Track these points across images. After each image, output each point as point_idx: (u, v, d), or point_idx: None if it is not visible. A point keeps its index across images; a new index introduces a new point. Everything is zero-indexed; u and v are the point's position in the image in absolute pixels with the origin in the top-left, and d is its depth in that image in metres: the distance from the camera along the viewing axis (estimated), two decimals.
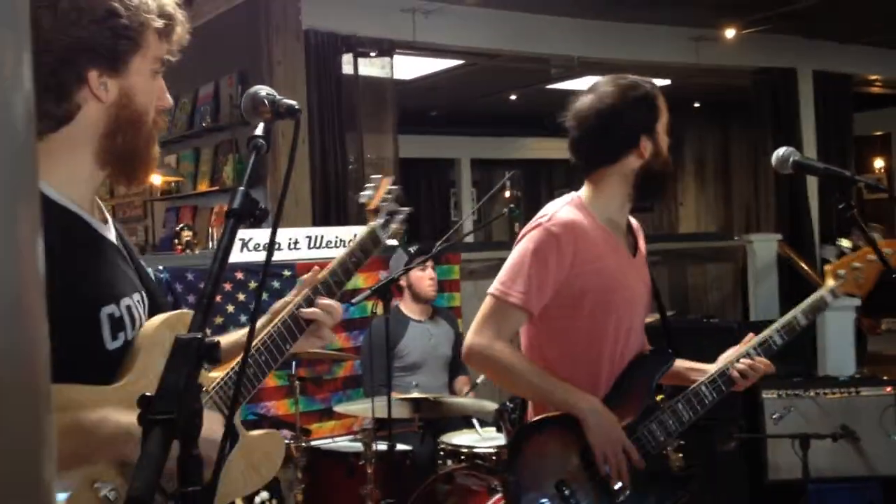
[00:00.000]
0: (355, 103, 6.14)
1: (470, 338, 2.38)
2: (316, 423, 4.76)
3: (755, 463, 5.13)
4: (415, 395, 3.91)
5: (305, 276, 1.88)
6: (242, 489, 1.75)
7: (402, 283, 4.64)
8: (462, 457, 3.60)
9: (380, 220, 1.96)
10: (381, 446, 3.66)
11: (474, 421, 4.02)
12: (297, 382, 3.99)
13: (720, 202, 11.74)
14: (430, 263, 4.60)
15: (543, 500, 2.25)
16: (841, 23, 7.58)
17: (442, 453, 3.68)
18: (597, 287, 2.37)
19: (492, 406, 3.79)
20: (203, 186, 6.74)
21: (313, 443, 4.09)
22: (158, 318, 1.63)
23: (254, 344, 1.78)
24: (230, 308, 4.60)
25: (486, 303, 2.39)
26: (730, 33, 7.40)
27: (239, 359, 1.71)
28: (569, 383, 2.34)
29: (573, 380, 2.36)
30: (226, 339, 1.79)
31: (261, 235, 4.72)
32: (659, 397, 4.19)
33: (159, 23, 1.58)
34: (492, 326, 2.34)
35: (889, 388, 4.98)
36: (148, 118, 1.62)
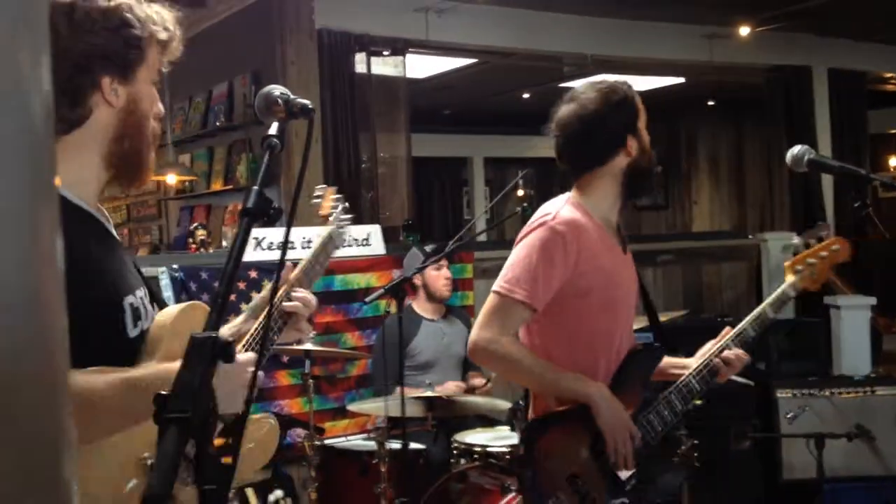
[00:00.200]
0: (368, 102, 6.15)
1: (475, 333, 2.45)
2: (329, 421, 4.76)
3: (770, 462, 5.12)
4: (428, 393, 3.91)
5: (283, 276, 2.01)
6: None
7: (417, 282, 4.64)
8: (475, 455, 3.60)
9: (335, 226, 2.19)
10: (395, 445, 3.67)
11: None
12: (310, 381, 3.99)
13: (734, 201, 11.69)
14: (444, 263, 4.60)
15: (558, 493, 2.33)
16: (855, 20, 7.55)
17: (455, 452, 3.68)
18: (599, 284, 2.46)
19: (505, 405, 3.79)
20: (217, 185, 6.75)
21: (327, 441, 4.10)
22: (175, 308, 1.72)
23: (246, 340, 1.90)
24: (244, 307, 4.61)
25: (491, 300, 2.46)
26: (743, 31, 7.37)
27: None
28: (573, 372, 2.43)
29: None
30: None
31: (274, 234, 4.73)
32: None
33: (163, 35, 1.69)
34: (496, 322, 2.41)
35: None
36: (149, 123, 1.70)
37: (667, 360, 2.64)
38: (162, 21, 1.69)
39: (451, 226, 12.89)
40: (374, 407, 4.06)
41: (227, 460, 1.31)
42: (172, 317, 1.70)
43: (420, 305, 4.71)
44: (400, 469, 3.67)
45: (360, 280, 4.99)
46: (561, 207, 2.49)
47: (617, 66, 8.05)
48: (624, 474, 2.39)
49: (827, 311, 6.22)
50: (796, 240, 2.74)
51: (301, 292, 1.99)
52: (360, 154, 6.03)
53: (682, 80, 9.17)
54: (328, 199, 2.25)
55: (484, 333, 2.41)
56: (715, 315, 6.66)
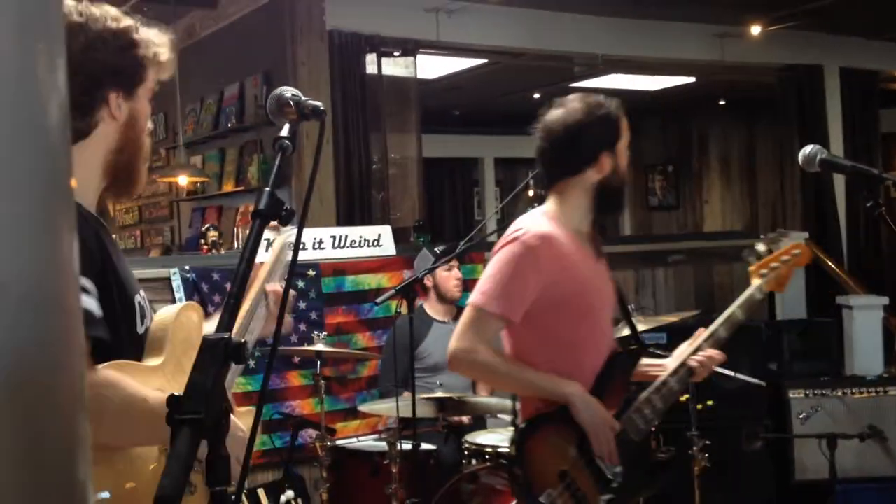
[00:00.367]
0: (379, 103, 6.16)
1: (452, 344, 2.55)
2: (341, 422, 4.77)
3: (782, 463, 5.11)
4: (439, 394, 3.92)
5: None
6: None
7: (428, 283, 4.64)
8: (486, 456, 3.60)
9: (284, 233, 2.34)
10: (406, 446, 3.67)
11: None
12: (321, 382, 4.00)
13: (746, 200, 11.65)
14: (455, 263, 4.60)
15: (549, 490, 2.44)
16: (867, 19, 7.51)
17: (466, 453, 3.68)
18: (574, 292, 2.56)
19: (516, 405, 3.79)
20: (228, 187, 6.77)
21: (338, 442, 4.11)
22: (172, 309, 1.85)
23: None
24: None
25: (467, 312, 2.56)
26: (755, 30, 7.35)
27: None
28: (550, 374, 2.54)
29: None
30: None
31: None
32: (684, 397, 4.25)
33: (164, 57, 1.80)
34: (472, 333, 2.51)
35: None
36: (146, 138, 1.82)
37: (645, 362, 2.74)
38: (162, 43, 1.80)
39: (461, 226, 12.88)
40: (385, 408, 4.06)
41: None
42: (171, 317, 1.81)
43: (431, 307, 4.71)
44: (411, 470, 3.68)
45: (371, 281, 4.99)
46: (533, 221, 2.59)
47: (628, 66, 8.04)
48: (611, 470, 2.49)
49: (839, 311, 6.19)
50: (760, 245, 2.78)
51: (272, 285, 2.16)
52: (370, 155, 6.04)
53: (693, 79, 9.14)
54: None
55: (461, 344, 2.52)
56: None
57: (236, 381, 4.46)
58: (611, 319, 2.75)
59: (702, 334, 2.72)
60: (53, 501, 0.57)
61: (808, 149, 2.43)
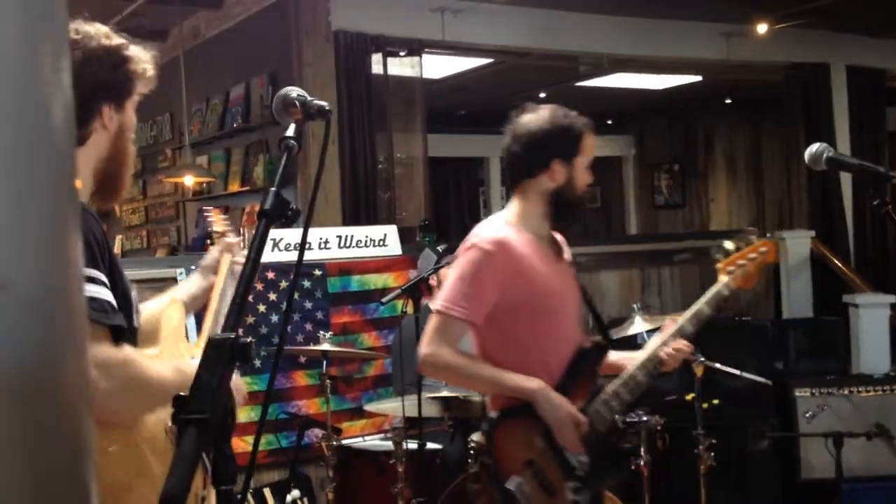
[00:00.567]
0: (385, 103, 6.16)
1: (420, 349, 2.67)
2: (347, 421, 4.78)
3: (788, 462, 5.10)
4: (445, 393, 3.92)
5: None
6: None
7: (433, 282, 4.64)
8: None
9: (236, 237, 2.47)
10: (412, 445, 3.67)
11: None
12: (327, 381, 4.00)
13: (752, 199, 11.63)
14: None
15: (517, 478, 2.56)
16: (873, 17, 7.49)
17: (472, 452, 3.68)
18: (531, 294, 2.67)
19: None
20: (234, 187, 6.78)
21: (344, 442, 4.11)
22: (159, 304, 2.08)
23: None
24: (262, 307, 4.63)
25: (432, 318, 2.67)
26: (761, 28, 7.33)
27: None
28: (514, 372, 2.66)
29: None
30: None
31: (292, 235, 4.74)
32: (690, 396, 4.23)
33: (150, 73, 1.91)
34: (438, 337, 2.63)
35: None
36: (131, 146, 1.93)
37: (617, 355, 2.85)
38: (148, 59, 1.91)
39: (468, 226, 12.80)
40: (390, 407, 4.06)
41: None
42: (159, 313, 2.00)
43: None
44: (417, 469, 3.68)
45: (376, 280, 5.00)
46: (490, 227, 2.73)
47: (634, 65, 8.03)
48: (576, 459, 2.61)
49: (846, 309, 6.18)
50: (728, 243, 2.83)
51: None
52: (376, 155, 6.04)
53: (699, 78, 9.13)
54: (220, 217, 2.56)
55: (427, 349, 2.63)
56: (733, 315, 6.63)
57: (242, 381, 4.48)
58: (576, 318, 2.84)
59: (669, 328, 2.81)
60: (57, 500, 0.57)
61: (814, 147, 2.43)
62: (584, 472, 2.61)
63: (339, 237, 4.97)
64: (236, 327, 1.32)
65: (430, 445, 3.78)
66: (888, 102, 8.47)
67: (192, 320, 2.71)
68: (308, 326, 4.74)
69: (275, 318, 4.63)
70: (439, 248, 4.38)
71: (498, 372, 2.64)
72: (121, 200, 2.01)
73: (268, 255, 4.61)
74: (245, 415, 4.38)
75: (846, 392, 4.96)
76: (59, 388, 0.58)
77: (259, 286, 4.61)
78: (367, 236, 5.05)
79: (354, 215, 5.81)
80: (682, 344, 2.77)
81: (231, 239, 2.37)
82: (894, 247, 8.14)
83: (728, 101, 11.25)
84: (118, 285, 1.77)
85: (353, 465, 3.93)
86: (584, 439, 2.62)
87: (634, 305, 4.70)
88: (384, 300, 3.87)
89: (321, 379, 4.04)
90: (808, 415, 4.91)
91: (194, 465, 1.16)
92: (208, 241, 5.93)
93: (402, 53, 6.29)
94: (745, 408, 5.07)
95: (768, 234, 7.80)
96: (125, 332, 1.73)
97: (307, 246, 4.79)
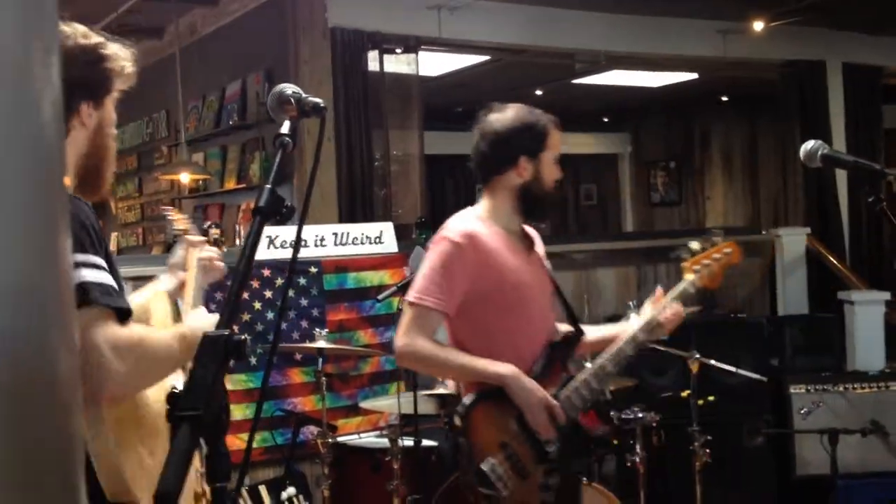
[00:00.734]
0: (381, 100, 6.15)
1: (395, 341, 2.76)
2: (342, 419, 4.77)
3: (783, 458, 5.11)
4: (440, 390, 3.92)
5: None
6: None
7: None
8: None
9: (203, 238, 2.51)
10: (408, 442, 3.68)
11: None
12: (323, 379, 4.00)
13: (748, 196, 11.64)
14: None
15: (492, 460, 2.64)
16: (869, 14, 7.49)
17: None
18: (500, 285, 2.76)
19: None
20: (230, 184, 6.77)
21: (340, 439, 4.11)
22: (145, 294, 2.19)
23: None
24: (257, 305, 4.63)
25: (406, 310, 2.76)
26: (757, 26, 7.33)
27: None
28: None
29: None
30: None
31: (288, 232, 4.74)
32: (685, 392, 4.25)
33: (129, 70, 1.94)
34: (412, 328, 2.71)
35: None
36: (112, 143, 1.97)
37: (603, 330, 3.01)
38: (127, 57, 1.94)
39: None
40: (386, 404, 4.06)
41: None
42: (147, 301, 2.11)
43: None
44: (412, 466, 3.68)
45: (372, 278, 4.99)
46: (461, 221, 2.82)
47: (630, 63, 8.04)
48: (547, 442, 2.69)
49: (841, 306, 6.19)
50: (694, 244, 2.88)
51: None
52: (372, 152, 6.04)
53: (695, 75, 9.13)
54: (181, 216, 2.61)
55: (402, 340, 2.72)
56: (728, 311, 6.64)
57: (237, 378, 4.49)
58: (548, 310, 2.93)
59: (661, 297, 2.95)
60: (47, 496, 0.57)
61: (809, 144, 2.44)
62: (554, 455, 2.70)
63: (336, 234, 4.97)
64: (231, 324, 1.33)
65: (426, 442, 3.78)
66: (884, 100, 8.48)
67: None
68: (304, 324, 4.74)
69: (271, 315, 4.63)
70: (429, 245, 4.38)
71: (472, 359, 2.72)
72: (103, 196, 2.04)
73: (264, 253, 4.61)
74: (241, 412, 4.38)
75: (841, 389, 4.97)
76: (49, 379, 0.58)
77: (255, 283, 4.60)
78: (363, 233, 5.05)
79: (351, 212, 5.81)
80: (679, 308, 2.92)
81: (193, 236, 2.39)
82: (889, 244, 8.15)
83: (724, 98, 11.25)
84: (113, 273, 1.81)
85: (349, 462, 3.93)
86: (556, 424, 2.71)
87: (630, 303, 4.68)
88: (380, 297, 3.87)
89: (317, 376, 4.04)
90: (803, 411, 4.92)
91: (189, 460, 1.16)
92: (203, 239, 5.93)
93: (398, 51, 6.29)
94: (740, 404, 5.08)
95: (764, 232, 7.82)
96: (131, 314, 1.77)
97: (303, 243, 4.79)
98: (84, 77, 1.85)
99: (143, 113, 8.08)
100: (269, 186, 1.49)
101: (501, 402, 2.69)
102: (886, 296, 6.04)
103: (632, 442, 4.06)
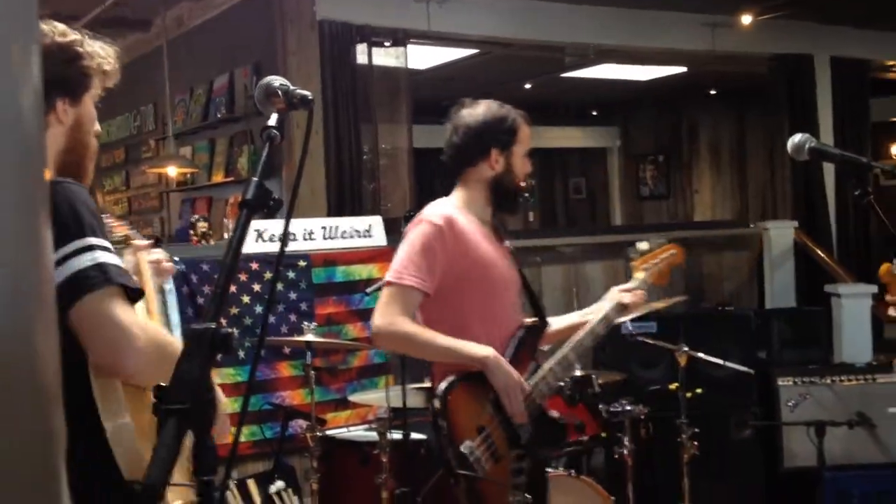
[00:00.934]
0: (369, 93, 6.14)
1: (374, 320, 2.78)
2: (331, 412, 4.77)
3: (770, 450, 5.13)
4: (429, 384, 3.91)
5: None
6: None
7: None
8: None
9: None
10: (396, 435, 3.68)
11: None
12: (312, 372, 4.00)
13: (736, 189, 11.68)
14: None
15: (470, 442, 2.68)
16: (857, 8, 7.52)
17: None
18: (476, 268, 2.83)
19: None
20: (218, 177, 6.76)
21: (328, 432, 4.11)
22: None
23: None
24: (245, 299, 4.62)
25: (385, 289, 2.79)
26: (745, 19, 7.35)
27: None
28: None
29: None
30: None
31: (276, 226, 4.73)
32: (674, 385, 4.27)
33: (108, 67, 1.96)
34: (392, 307, 2.74)
35: None
36: (91, 140, 1.97)
37: (567, 319, 3.10)
38: (107, 55, 1.96)
39: None
40: (375, 398, 4.06)
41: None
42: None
43: None
44: (401, 459, 3.68)
45: (361, 271, 4.99)
46: (438, 206, 2.90)
47: (619, 56, 8.03)
48: (520, 428, 2.76)
49: (828, 299, 6.22)
50: (644, 244, 3.24)
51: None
52: (361, 145, 6.03)
53: (684, 69, 9.14)
54: (117, 225, 2.52)
55: (381, 319, 2.74)
56: (716, 304, 6.66)
57: (226, 372, 4.48)
58: (516, 299, 3.00)
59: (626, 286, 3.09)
60: (27, 493, 0.57)
61: (797, 137, 2.44)
62: (525, 440, 2.77)
63: (324, 228, 4.97)
64: (217, 317, 1.32)
65: (415, 436, 3.78)
66: (872, 93, 8.51)
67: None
68: (292, 317, 4.73)
69: (259, 308, 4.62)
70: None
71: (452, 340, 2.75)
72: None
73: (252, 246, 4.60)
74: (229, 406, 4.38)
75: (828, 381, 4.99)
76: (30, 379, 0.57)
77: (243, 277, 4.59)
78: (351, 227, 5.04)
79: (339, 206, 5.80)
80: (641, 292, 3.06)
81: (138, 241, 2.38)
82: (876, 237, 8.19)
83: (713, 92, 11.28)
84: None
85: (338, 455, 3.93)
86: (528, 410, 2.77)
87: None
88: (369, 290, 3.86)
89: (305, 370, 4.03)
90: (790, 404, 4.94)
91: (175, 454, 1.16)
92: (191, 233, 5.92)
93: (387, 44, 6.27)
94: (728, 397, 5.10)
95: (752, 225, 7.84)
96: (143, 295, 1.80)
97: (292, 237, 4.78)
98: (60, 74, 1.87)
99: (130, 106, 8.05)
100: (256, 179, 1.49)
101: (477, 386, 2.75)
102: (873, 289, 6.06)
103: (620, 434, 4.07)
